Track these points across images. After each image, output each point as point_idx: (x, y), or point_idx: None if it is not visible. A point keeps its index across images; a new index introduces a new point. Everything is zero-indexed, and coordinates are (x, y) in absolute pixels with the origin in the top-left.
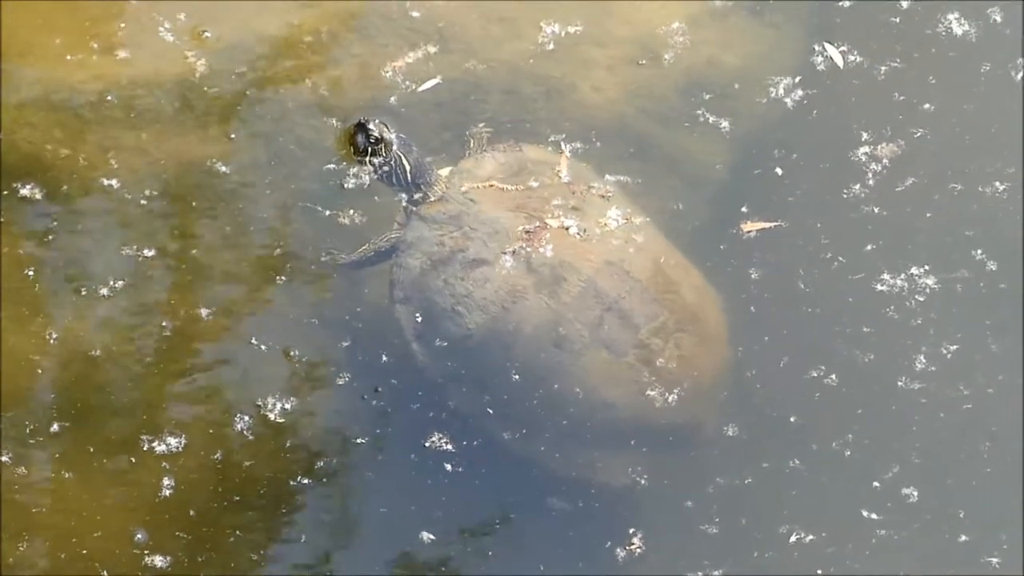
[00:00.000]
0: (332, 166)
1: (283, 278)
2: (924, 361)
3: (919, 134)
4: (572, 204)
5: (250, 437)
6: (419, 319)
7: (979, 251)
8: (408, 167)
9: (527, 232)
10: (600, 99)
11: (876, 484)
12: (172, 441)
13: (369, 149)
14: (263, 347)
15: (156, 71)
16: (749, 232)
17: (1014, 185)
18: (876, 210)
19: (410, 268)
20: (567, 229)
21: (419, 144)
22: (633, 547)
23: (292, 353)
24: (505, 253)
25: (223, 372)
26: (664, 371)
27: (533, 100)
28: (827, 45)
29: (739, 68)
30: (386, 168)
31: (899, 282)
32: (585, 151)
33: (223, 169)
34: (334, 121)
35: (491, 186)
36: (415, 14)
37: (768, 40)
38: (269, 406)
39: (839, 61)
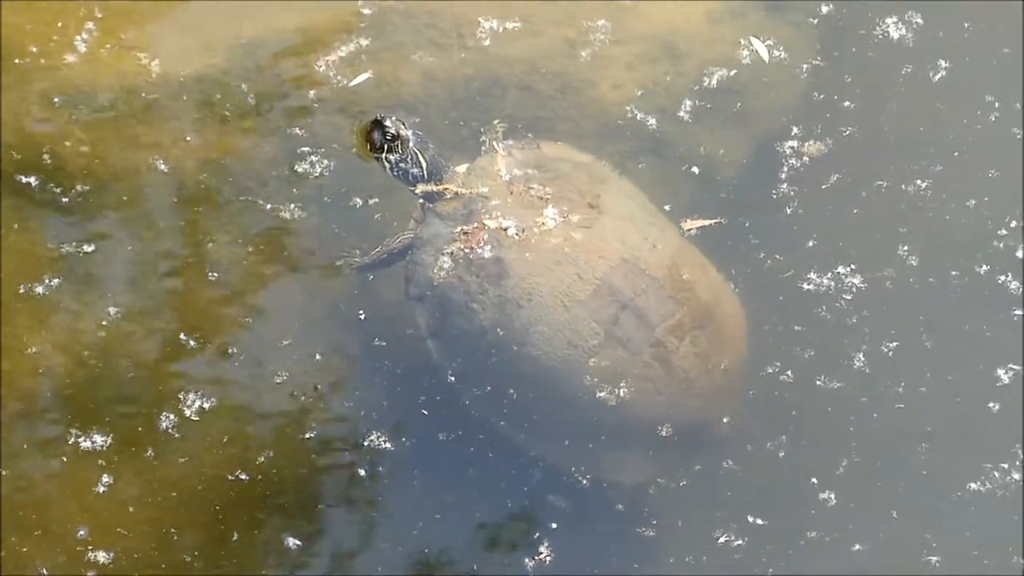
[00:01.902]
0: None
1: (300, 275)
2: (863, 359)
3: (847, 132)
4: (511, 204)
5: (266, 433)
6: (434, 316)
7: (905, 247)
8: (424, 164)
9: (465, 233)
10: (618, 96)
11: (814, 480)
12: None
13: (386, 146)
14: (281, 345)
15: (173, 69)
16: (690, 230)
17: (937, 183)
18: (801, 208)
19: (425, 265)
20: (505, 230)
21: (436, 141)
22: (542, 556)
23: (316, 355)
24: (443, 254)
25: (258, 368)
26: (680, 369)
27: (551, 97)
28: (753, 40)
29: (756, 66)
30: (402, 165)
31: (826, 281)
32: (599, 148)
33: (239, 166)
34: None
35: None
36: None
37: (786, 38)
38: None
39: (764, 56)
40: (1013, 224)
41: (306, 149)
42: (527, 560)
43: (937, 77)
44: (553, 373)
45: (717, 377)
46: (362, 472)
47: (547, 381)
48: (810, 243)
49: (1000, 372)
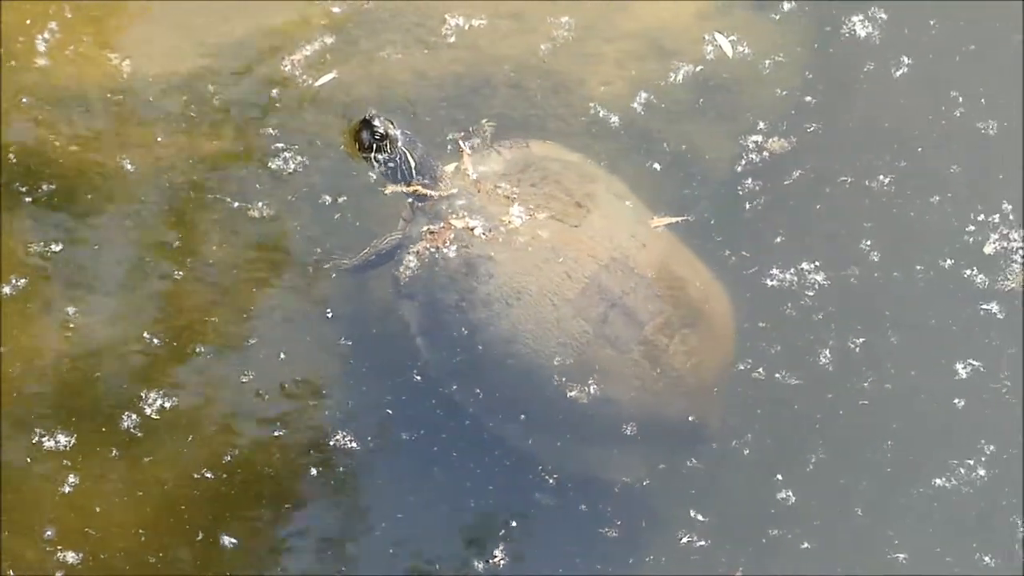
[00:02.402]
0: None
1: (289, 274)
2: (828, 356)
3: (811, 128)
4: (478, 203)
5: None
6: (424, 314)
7: (868, 242)
8: (413, 163)
9: (431, 232)
10: (609, 94)
11: (779, 477)
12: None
13: (374, 145)
14: (265, 345)
15: (163, 69)
16: (658, 226)
17: (899, 178)
18: (766, 204)
19: (415, 264)
20: (472, 229)
21: (425, 140)
22: (496, 560)
23: (280, 354)
24: (409, 253)
25: (224, 366)
26: (669, 367)
27: (541, 95)
28: (717, 35)
29: (746, 63)
30: (391, 164)
31: (789, 276)
32: (589, 146)
33: (229, 165)
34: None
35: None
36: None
37: (775, 34)
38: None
39: (728, 51)
40: (981, 218)
41: (279, 146)
42: (481, 562)
43: (899, 73)
44: (542, 371)
45: (706, 375)
46: (328, 471)
47: (537, 379)
48: (776, 239)
49: (959, 367)
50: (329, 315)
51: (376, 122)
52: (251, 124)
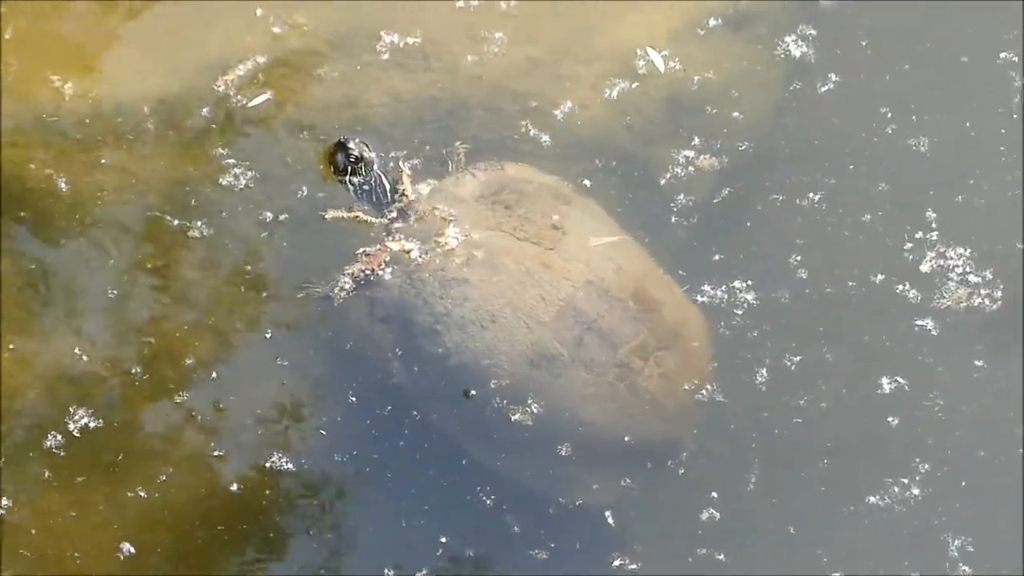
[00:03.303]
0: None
1: (265, 296)
2: (765, 375)
3: (743, 146)
4: (415, 224)
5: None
6: (399, 337)
7: (798, 257)
8: (388, 186)
9: (367, 255)
10: (584, 116)
11: (714, 495)
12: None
13: (349, 168)
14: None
15: (139, 92)
16: (597, 245)
17: (829, 195)
18: (695, 221)
19: (389, 287)
20: (408, 252)
21: (400, 163)
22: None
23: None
24: (344, 275)
25: (207, 387)
26: (644, 390)
27: (516, 118)
28: (649, 50)
29: (721, 84)
30: (366, 187)
31: (720, 294)
32: (564, 168)
33: (206, 189)
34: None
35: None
36: (394, 36)
37: (751, 56)
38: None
39: (660, 66)
40: (919, 235)
41: (231, 161)
42: None
43: (824, 89)
44: (518, 394)
45: (681, 397)
46: (267, 491)
47: (512, 401)
48: (713, 256)
49: (893, 384)
50: (268, 336)
51: (351, 145)
52: (222, 145)
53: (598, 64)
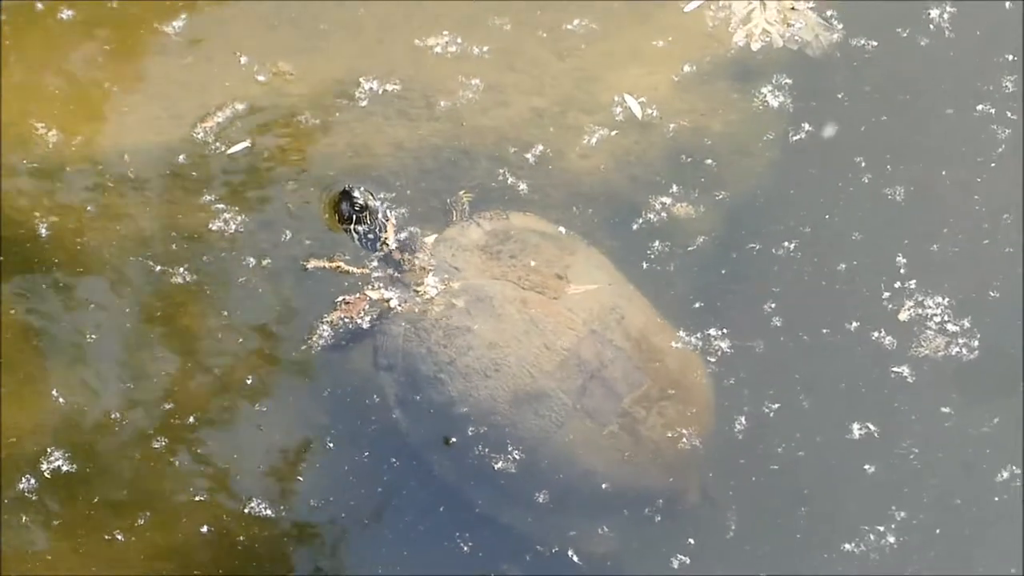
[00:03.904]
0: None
1: (271, 345)
2: (744, 423)
3: (720, 196)
4: (393, 273)
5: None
6: (402, 386)
7: (772, 304)
8: (393, 235)
9: (346, 303)
10: (587, 165)
11: (691, 541)
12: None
13: (354, 217)
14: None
15: (144, 140)
16: (574, 293)
17: (803, 242)
18: (671, 268)
19: (393, 335)
20: (388, 300)
21: (405, 212)
22: None
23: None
24: (323, 323)
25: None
26: (648, 440)
27: (520, 167)
28: (626, 96)
29: (724, 134)
30: (371, 236)
31: (694, 340)
32: (570, 218)
33: (211, 238)
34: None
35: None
36: (397, 85)
37: (753, 106)
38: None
39: (637, 112)
40: (897, 285)
41: (220, 207)
42: None
43: (796, 138)
44: (521, 443)
45: (685, 447)
46: (241, 537)
47: (515, 451)
48: (688, 304)
49: (867, 431)
50: (249, 382)
51: (356, 193)
52: (227, 195)
53: (602, 114)
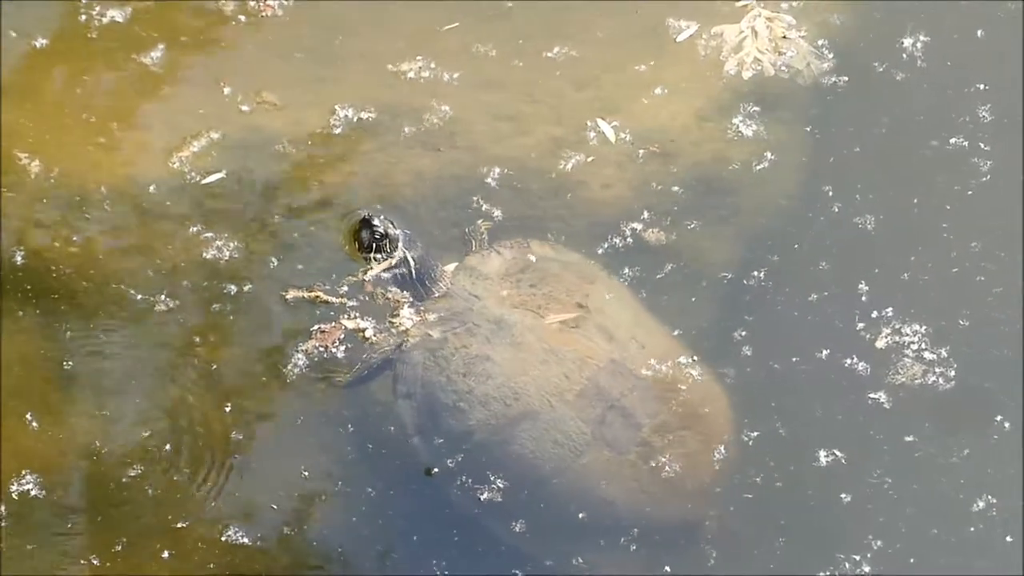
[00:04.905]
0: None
1: (293, 373)
2: (723, 451)
3: (692, 225)
4: (367, 303)
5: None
6: (422, 414)
7: (743, 332)
8: (413, 263)
9: (322, 331)
10: (609, 195)
11: (667, 568)
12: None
13: (374, 245)
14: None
15: (162, 170)
16: (552, 323)
17: (772, 271)
18: (643, 295)
19: (413, 364)
20: (363, 331)
21: (425, 240)
22: None
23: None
24: (298, 351)
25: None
26: (666, 469)
27: (541, 197)
28: (600, 121)
29: (745, 164)
30: (394, 265)
31: (664, 368)
32: (589, 248)
33: (230, 268)
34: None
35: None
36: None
37: (774, 135)
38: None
39: (611, 137)
40: (875, 314)
41: (209, 235)
42: None
43: (760, 168)
44: (539, 472)
45: (703, 476)
46: (210, 564)
47: (534, 479)
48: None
49: (843, 459)
50: (228, 409)
51: (376, 221)
52: (250, 226)
53: (624, 144)
